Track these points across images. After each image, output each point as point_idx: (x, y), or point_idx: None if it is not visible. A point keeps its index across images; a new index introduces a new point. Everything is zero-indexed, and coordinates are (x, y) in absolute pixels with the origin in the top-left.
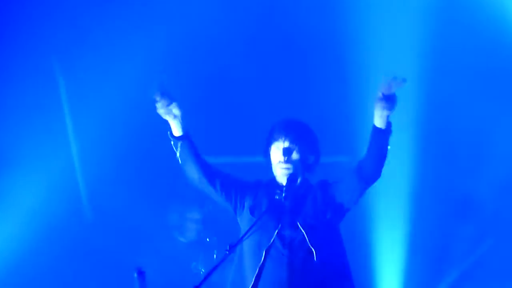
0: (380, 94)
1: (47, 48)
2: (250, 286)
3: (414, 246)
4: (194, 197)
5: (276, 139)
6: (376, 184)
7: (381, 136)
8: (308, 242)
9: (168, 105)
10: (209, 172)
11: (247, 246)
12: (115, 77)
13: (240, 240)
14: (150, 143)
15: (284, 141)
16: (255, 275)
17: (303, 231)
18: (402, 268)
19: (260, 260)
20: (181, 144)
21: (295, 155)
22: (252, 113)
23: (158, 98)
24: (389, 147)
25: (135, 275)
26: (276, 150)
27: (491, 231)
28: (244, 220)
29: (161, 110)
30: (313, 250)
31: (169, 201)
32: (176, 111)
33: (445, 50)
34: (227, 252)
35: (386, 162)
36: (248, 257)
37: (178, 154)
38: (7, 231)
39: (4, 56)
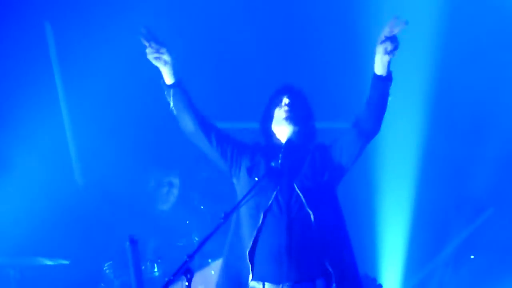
0: (382, 37)
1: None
2: (248, 249)
3: (416, 211)
4: (174, 162)
5: (279, 99)
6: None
7: (382, 84)
8: (306, 205)
9: (158, 50)
10: (205, 124)
11: (244, 209)
12: (106, 44)
13: (235, 208)
14: (140, 105)
15: (288, 98)
16: (253, 238)
17: (300, 193)
18: (404, 233)
19: (258, 223)
20: (173, 92)
21: (297, 111)
22: (251, 78)
23: (147, 43)
24: (389, 97)
25: (128, 243)
26: (279, 109)
27: (492, 199)
28: (240, 182)
29: (150, 56)
30: (311, 212)
31: (148, 167)
32: (166, 57)
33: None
34: (222, 220)
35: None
36: (246, 220)
37: (171, 104)
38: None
39: None
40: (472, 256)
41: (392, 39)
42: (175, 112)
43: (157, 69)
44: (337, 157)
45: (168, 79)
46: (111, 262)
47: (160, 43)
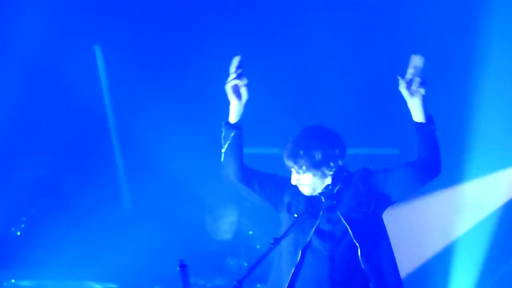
0: (403, 82)
1: None
2: (286, 284)
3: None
4: (230, 197)
5: (288, 165)
6: None
7: (425, 131)
8: (352, 236)
9: (241, 81)
10: (247, 175)
11: (284, 245)
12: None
13: (285, 235)
14: (187, 136)
15: (294, 171)
16: (291, 274)
17: (345, 224)
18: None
19: (296, 260)
20: (234, 134)
21: (308, 180)
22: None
23: (234, 71)
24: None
25: (178, 268)
26: (296, 176)
27: None
28: (282, 218)
29: (230, 85)
30: (357, 244)
31: (205, 201)
32: (244, 91)
33: None
34: (272, 246)
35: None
36: (285, 255)
37: (225, 148)
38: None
39: None
40: None
41: (414, 79)
42: (223, 157)
43: (222, 105)
44: (386, 189)
45: (234, 117)
46: (159, 286)
47: (244, 76)
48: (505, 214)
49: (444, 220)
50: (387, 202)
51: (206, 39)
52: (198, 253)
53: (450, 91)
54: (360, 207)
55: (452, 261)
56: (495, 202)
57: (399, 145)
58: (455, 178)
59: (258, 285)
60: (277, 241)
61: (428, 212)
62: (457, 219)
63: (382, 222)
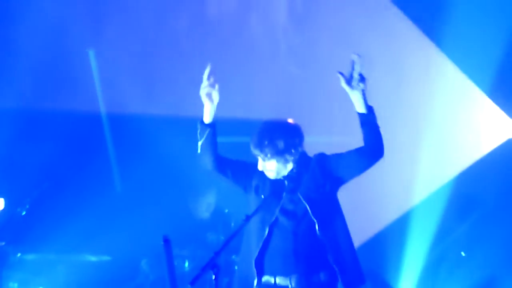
0: (342, 80)
1: None
2: (254, 257)
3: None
4: (209, 181)
5: (255, 153)
6: None
7: (367, 120)
8: (311, 214)
9: (213, 87)
10: (221, 164)
11: (253, 223)
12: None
13: (255, 213)
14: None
15: (260, 158)
16: (259, 248)
17: (305, 203)
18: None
19: (264, 236)
20: (208, 132)
21: (272, 166)
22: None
23: (207, 79)
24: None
25: (162, 242)
26: (261, 163)
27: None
28: (251, 199)
29: (204, 90)
30: (315, 220)
31: (188, 184)
32: (216, 95)
33: None
34: (244, 222)
35: None
36: (254, 232)
37: (200, 142)
38: None
39: None
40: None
41: (353, 76)
42: (199, 150)
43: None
44: (338, 171)
45: (208, 117)
46: (147, 259)
47: (215, 81)
48: (456, 186)
49: (396, 193)
50: (340, 182)
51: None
52: (182, 229)
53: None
54: (318, 188)
55: (406, 231)
56: (446, 175)
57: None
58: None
59: (233, 256)
60: (248, 218)
61: (382, 186)
62: (409, 192)
63: (337, 200)
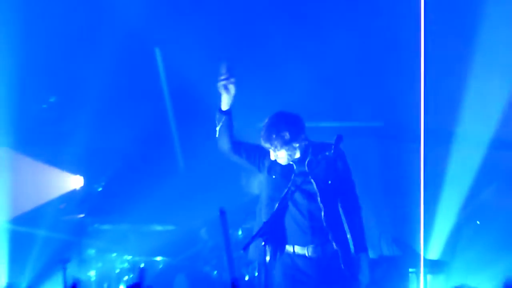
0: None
1: None
2: (259, 228)
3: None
4: None
5: (266, 146)
6: None
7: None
8: (318, 196)
9: (229, 80)
10: (236, 147)
11: (263, 200)
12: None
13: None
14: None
15: (271, 150)
16: (266, 221)
17: (315, 186)
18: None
19: (273, 210)
20: (225, 118)
21: (283, 154)
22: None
23: (225, 72)
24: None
25: (219, 214)
26: (273, 153)
27: None
28: (264, 178)
29: (222, 83)
30: (321, 206)
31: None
32: (232, 88)
33: None
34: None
35: None
36: (264, 208)
37: (218, 127)
38: None
39: None
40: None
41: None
42: (217, 134)
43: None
44: (336, 180)
45: (225, 106)
46: (206, 228)
47: (233, 75)
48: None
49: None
50: (337, 185)
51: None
52: (236, 203)
53: None
54: (326, 179)
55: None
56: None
57: (383, 118)
58: None
59: None
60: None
61: None
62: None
63: (336, 190)
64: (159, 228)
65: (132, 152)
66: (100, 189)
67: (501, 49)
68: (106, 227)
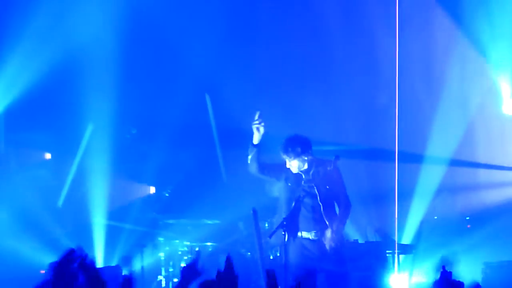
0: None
1: None
2: (283, 221)
3: None
4: None
5: (283, 157)
6: None
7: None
8: (318, 199)
9: (261, 123)
10: (262, 169)
11: (283, 199)
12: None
13: (297, 200)
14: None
15: (287, 160)
16: (286, 215)
17: (316, 191)
18: None
19: (291, 207)
20: (255, 150)
21: (295, 164)
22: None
23: (258, 119)
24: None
25: (252, 212)
26: (288, 162)
27: None
28: (282, 185)
29: (255, 125)
30: (320, 204)
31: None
32: (262, 129)
33: None
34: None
35: None
36: (283, 206)
37: (250, 156)
38: None
39: None
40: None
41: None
42: (249, 161)
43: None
44: (333, 184)
45: (256, 141)
46: (242, 221)
47: (263, 120)
48: None
49: None
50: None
51: None
52: (261, 203)
53: None
54: (322, 185)
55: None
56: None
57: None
58: None
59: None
60: (286, 219)
61: None
62: None
63: (333, 195)
64: (208, 222)
65: (190, 169)
66: (167, 194)
67: (457, 85)
68: (171, 221)
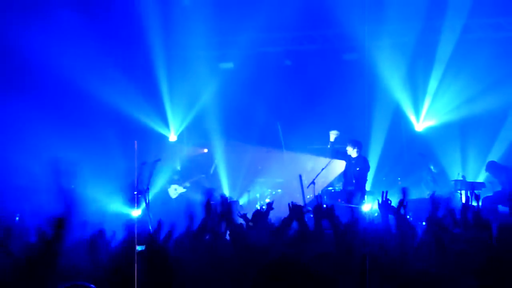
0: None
1: None
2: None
3: None
4: None
5: (349, 147)
6: None
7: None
8: (356, 177)
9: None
10: (337, 156)
11: (346, 170)
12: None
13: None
14: None
15: (351, 149)
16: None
17: (357, 172)
18: None
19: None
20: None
21: (352, 152)
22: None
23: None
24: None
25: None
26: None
27: None
28: (346, 163)
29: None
30: (354, 181)
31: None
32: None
33: None
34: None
35: None
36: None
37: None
38: None
39: None
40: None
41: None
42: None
43: None
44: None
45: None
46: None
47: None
48: None
49: None
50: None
51: None
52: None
53: None
54: (353, 177)
55: None
56: None
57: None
58: None
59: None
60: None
61: None
62: None
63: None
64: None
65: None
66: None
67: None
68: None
